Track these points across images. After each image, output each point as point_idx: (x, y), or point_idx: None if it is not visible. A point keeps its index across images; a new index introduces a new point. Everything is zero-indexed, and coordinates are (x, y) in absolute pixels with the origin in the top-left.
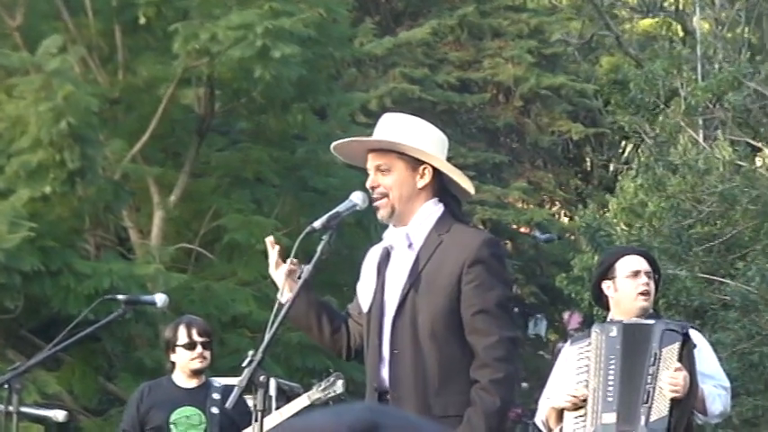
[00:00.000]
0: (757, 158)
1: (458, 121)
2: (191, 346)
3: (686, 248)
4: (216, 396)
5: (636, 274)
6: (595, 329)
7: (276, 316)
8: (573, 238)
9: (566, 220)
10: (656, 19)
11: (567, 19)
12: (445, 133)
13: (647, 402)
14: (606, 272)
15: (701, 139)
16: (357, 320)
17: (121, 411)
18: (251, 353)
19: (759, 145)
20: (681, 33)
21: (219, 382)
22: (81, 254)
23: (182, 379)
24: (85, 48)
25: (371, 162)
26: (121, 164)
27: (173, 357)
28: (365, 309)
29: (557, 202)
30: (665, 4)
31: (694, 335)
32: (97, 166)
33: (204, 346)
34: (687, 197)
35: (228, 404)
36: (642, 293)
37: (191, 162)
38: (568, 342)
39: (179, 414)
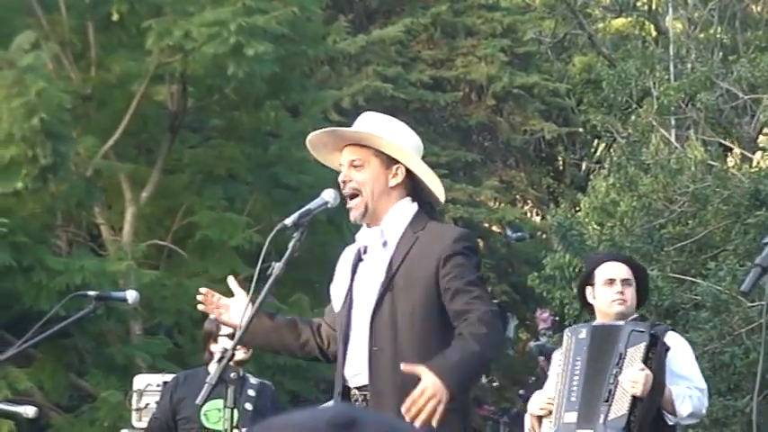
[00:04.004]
0: (729, 158)
1: (430, 120)
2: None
3: (658, 248)
4: (251, 393)
5: (611, 282)
6: (567, 332)
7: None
8: (545, 237)
9: (537, 219)
10: (630, 18)
11: (540, 18)
12: (418, 131)
13: (607, 401)
14: (587, 278)
15: (673, 139)
16: (332, 325)
17: (92, 408)
18: (222, 349)
19: (731, 145)
20: (654, 33)
21: (256, 379)
22: (53, 250)
23: None
24: (58, 44)
25: (346, 156)
26: (94, 160)
27: (213, 348)
28: (338, 308)
29: (529, 201)
30: (639, 4)
31: (672, 337)
32: (69, 162)
33: None
34: (659, 197)
35: (198, 400)
36: (615, 300)
37: (163, 159)
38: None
39: (211, 406)
